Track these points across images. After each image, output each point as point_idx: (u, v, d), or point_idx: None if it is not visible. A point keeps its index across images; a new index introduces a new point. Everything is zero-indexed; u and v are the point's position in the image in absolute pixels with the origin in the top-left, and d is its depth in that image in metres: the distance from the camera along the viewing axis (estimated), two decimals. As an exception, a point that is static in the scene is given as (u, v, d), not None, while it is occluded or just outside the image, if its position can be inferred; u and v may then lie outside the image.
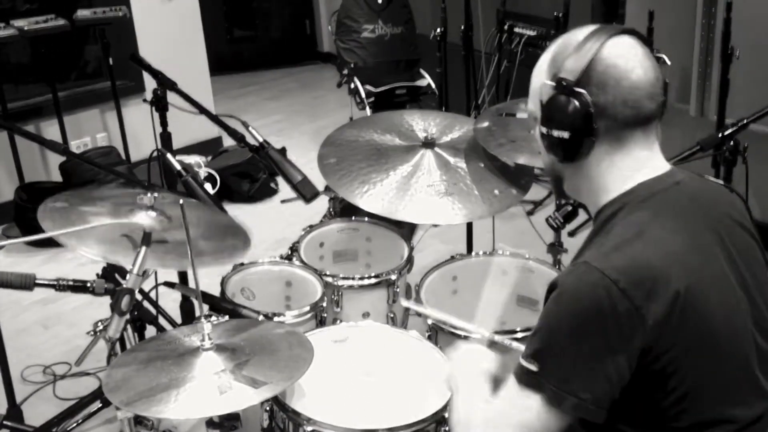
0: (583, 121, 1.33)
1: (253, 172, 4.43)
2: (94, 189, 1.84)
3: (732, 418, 1.32)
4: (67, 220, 1.83)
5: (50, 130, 4.22)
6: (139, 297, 2.32)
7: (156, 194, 1.93)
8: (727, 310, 1.32)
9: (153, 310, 2.63)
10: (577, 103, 1.32)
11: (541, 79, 1.41)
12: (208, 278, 2.28)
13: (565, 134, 1.35)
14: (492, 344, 2.03)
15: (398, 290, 2.45)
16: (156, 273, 2.29)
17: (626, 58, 1.34)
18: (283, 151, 4.04)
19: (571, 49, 1.36)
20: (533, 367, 1.28)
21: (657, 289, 1.25)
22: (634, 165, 1.37)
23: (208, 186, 2.33)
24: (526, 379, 1.29)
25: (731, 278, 1.35)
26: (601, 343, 1.24)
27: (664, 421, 1.30)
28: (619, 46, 1.34)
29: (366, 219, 2.68)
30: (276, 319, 2.21)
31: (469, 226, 3.18)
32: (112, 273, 1.89)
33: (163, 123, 2.71)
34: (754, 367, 1.36)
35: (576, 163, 1.39)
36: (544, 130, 1.39)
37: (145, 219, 1.90)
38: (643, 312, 1.23)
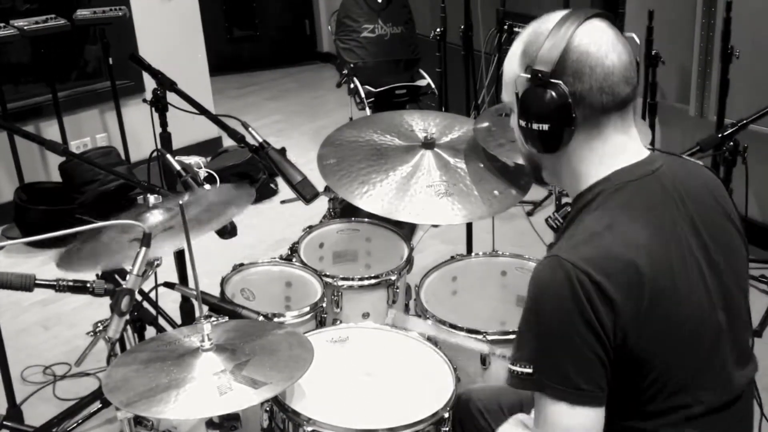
0: (562, 112, 1.33)
1: (252, 173, 4.43)
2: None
3: (705, 401, 1.35)
4: (82, 257, 1.84)
5: (50, 130, 4.22)
6: (138, 298, 2.32)
7: (156, 196, 1.95)
8: (696, 298, 1.34)
9: (153, 311, 2.64)
10: (554, 94, 1.32)
11: (513, 69, 1.41)
12: (207, 278, 2.29)
13: (545, 126, 1.35)
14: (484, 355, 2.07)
15: (398, 291, 2.45)
16: (156, 273, 2.29)
17: (599, 44, 1.33)
18: (282, 152, 4.04)
19: (542, 39, 1.35)
20: (528, 369, 1.30)
21: (626, 279, 1.26)
22: (611, 151, 1.38)
23: (207, 187, 2.33)
24: (524, 383, 1.31)
25: (702, 266, 1.36)
26: (587, 332, 1.25)
27: (638, 405, 1.33)
28: (590, 32, 1.34)
29: (366, 219, 2.69)
30: (276, 319, 2.21)
31: (469, 226, 3.18)
32: (111, 274, 1.88)
33: (163, 123, 2.71)
34: (725, 353, 1.38)
35: (555, 152, 1.39)
36: (522, 122, 1.39)
37: (146, 220, 1.91)
38: (616, 303, 1.25)
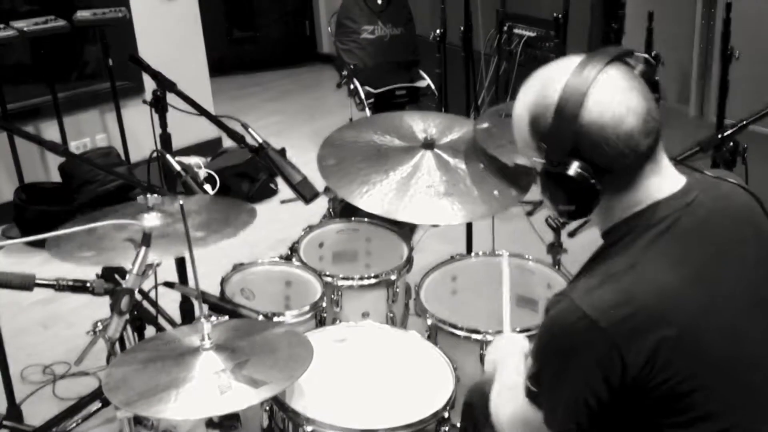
0: (586, 191, 1.26)
1: (252, 173, 4.43)
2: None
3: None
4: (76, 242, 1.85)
5: (50, 130, 4.22)
6: (138, 297, 2.32)
7: (155, 196, 1.95)
8: (732, 340, 1.28)
9: (153, 310, 2.63)
10: (575, 179, 1.25)
11: (523, 135, 1.33)
12: (207, 278, 2.28)
13: (571, 207, 1.30)
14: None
15: (398, 290, 2.45)
16: (155, 273, 2.29)
17: (612, 110, 1.23)
18: (282, 152, 4.04)
19: (549, 113, 1.26)
20: (534, 389, 1.35)
21: (641, 328, 1.21)
22: (644, 192, 1.31)
23: (207, 187, 2.33)
24: (530, 397, 1.37)
25: (743, 302, 1.30)
26: (581, 378, 1.26)
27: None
28: (601, 97, 1.24)
29: (366, 219, 2.69)
30: (276, 319, 2.21)
31: (469, 226, 3.18)
32: (111, 273, 1.88)
33: (163, 124, 2.71)
34: (760, 394, 1.32)
35: None
36: (546, 196, 1.33)
37: (145, 220, 1.91)
38: (623, 352, 1.21)
